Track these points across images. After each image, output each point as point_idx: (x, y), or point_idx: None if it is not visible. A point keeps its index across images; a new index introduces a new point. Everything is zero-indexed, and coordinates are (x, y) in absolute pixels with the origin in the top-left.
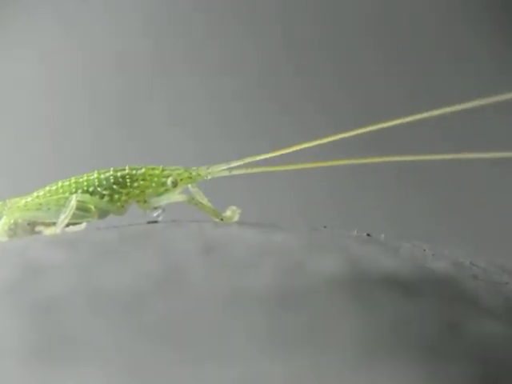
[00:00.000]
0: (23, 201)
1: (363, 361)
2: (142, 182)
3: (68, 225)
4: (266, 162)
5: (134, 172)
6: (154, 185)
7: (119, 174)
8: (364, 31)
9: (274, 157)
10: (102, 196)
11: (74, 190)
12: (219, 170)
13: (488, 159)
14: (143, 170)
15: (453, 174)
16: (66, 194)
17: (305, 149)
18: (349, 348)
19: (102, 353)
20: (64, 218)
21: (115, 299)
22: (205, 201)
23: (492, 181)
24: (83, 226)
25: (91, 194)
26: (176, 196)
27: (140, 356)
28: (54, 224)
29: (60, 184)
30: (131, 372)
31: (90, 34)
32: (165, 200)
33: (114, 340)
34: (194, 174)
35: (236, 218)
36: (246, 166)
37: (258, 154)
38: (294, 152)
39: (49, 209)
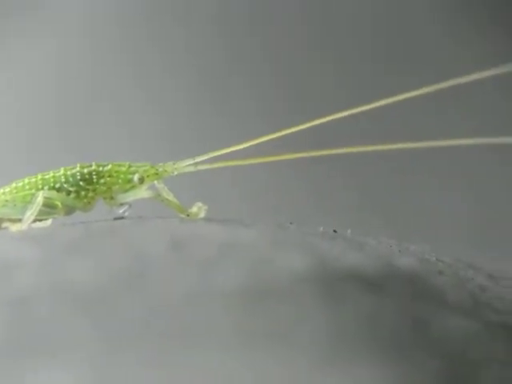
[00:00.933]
0: None
1: (329, 357)
2: (108, 179)
3: (34, 221)
4: (231, 157)
5: (101, 169)
6: (120, 181)
7: (86, 170)
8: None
9: (239, 151)
10: (69, 192)
11: (40, 186)
12: (185, 165)
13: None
14: (110, 167)
15: (435, 169)
16: (33, 191)
17: (271, 142)
18: (315, 345)
19: (70, 348)
20: (30, 214)
21: (82, 295)
22: (171, 197)
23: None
24: (49, 222)
25: (58, 190)
26: (142, 192)
27: (107, 352)
28: (20, 220)
29: (26, 181)
30: (97, 367)
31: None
32: (131, 196)
33: (81, 336)
34: (160, 170)
35: (202, 215)
36: (212, 160)
37: (223, 148)
38: (259, 145)
39: (15, 205)
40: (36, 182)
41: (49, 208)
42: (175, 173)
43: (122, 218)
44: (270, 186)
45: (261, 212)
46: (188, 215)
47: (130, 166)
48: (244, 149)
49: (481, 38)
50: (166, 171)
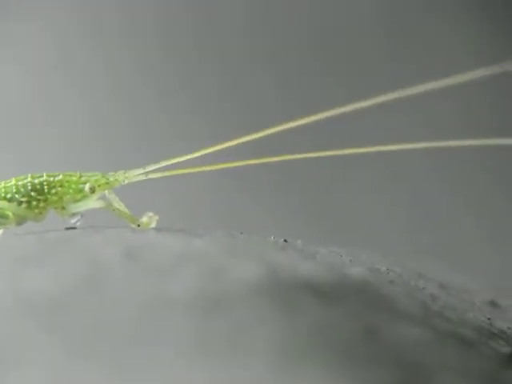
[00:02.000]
0: None
1: (283, 366)
2: (59, 189)
3: None
4: (181, 166)
5: (52, 179)
6: (71, 191)
7: (37, 180)
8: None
9: (190, 160)
10: (20, 203)
11: None
12: (136, 174)
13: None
14: (60, 177)
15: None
16: None
17: (220, 151)
18: (269, 354)
19: (23, 358)
20: None
21: (35, 305)
22: (122, 207)
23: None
24: (0, 232)
25: (9, 200)
26: (94, 202)
27: (59, 361)
28: None
29: None
30: (50, 377)
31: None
32: (83, 206)
33: (33, 345)
34: (111, 179)
35: (153, 225)
36: (162, 169)
37: (173, 156)
38: (209, 154)
39: None
40: None
41: (0, 218)
42: (126, 181)
43: (73, 227)
44: (221, 193)
45: (213, 221)
46: (139, 225)
47: (80, 176)
48: (192, 159)
49: (470, 24)
50: (116, 180)
